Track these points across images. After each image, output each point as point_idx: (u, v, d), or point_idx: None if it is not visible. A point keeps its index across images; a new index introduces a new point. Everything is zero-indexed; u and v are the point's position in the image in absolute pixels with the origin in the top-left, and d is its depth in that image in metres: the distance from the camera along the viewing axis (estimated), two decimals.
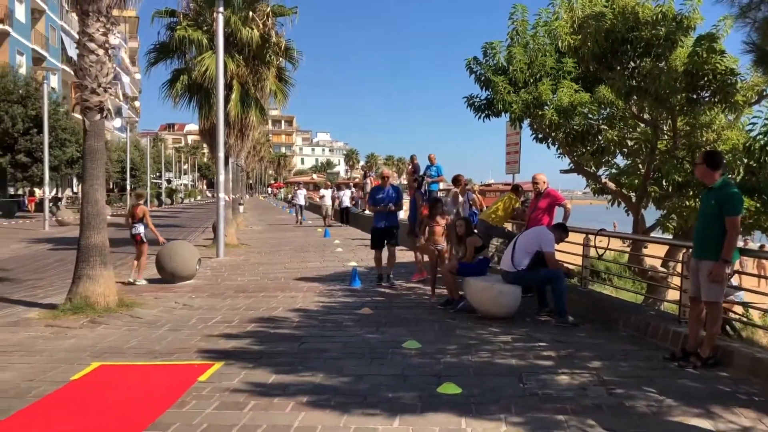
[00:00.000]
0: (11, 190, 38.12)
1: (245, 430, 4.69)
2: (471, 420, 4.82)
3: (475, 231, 9.94)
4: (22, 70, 38.62)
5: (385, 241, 11.31)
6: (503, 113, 10.28)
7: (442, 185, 20.04)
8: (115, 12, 9.65)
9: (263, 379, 5.89)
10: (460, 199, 12.10)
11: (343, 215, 28.58)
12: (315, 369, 6.20)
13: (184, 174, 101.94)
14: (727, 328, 7.99)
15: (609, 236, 9.02)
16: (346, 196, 28.82)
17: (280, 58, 19.61)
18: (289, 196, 61.11)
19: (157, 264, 11.91)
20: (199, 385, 5.76)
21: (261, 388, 5.65)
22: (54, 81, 45.98)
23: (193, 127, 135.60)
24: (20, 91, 32.45)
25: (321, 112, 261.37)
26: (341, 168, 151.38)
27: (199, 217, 41.31)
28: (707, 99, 8.41)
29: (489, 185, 68.76)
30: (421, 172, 18.01)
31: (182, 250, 11.98)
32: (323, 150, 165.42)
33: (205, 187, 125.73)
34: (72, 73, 51.04)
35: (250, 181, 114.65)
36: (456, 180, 12.49)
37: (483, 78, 10.25)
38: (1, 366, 6.43)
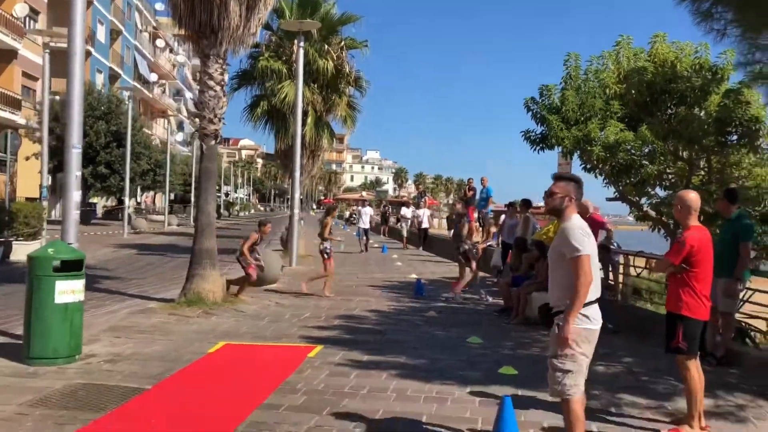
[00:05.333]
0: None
1: (354, 389, 6.26)
2: (525, 390, 6.30)
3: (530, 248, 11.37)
4: (101, 87, 41.61)
5: None
6: (556, 147, 11.72)
7: (492, 207, 21.46)
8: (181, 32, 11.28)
9: (359, 358, 7.46)
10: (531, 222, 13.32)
11: (422, 237, 26.32)
12: (398, 353, 7.75)
13: (240, 188, 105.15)
14: (747, 339, 9.21)
15: (646, 257, 10.33)
16: (425, 216, 26.46)
17: (350, 87, 21.44)
18: (347, 214, 59.21)
19: None
20: (310, 359, 7.36)
21: (359, 363, 7.23)
22: (126, 95, 49.12)
23: (247, 142, 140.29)
24: (102, 108, 35.13)
25: (371, 131, 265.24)
26: (390, 186, 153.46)
27: None
28: (735, 142, 9.73)
29: (539, 208, 69.34)
30: (477, 196, 19.54)
31: (268, 257, 13.68)
32: (372, 168, 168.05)
33: (257, 201, 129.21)
34: (142, 89, 54.33)
35: (301, 197, 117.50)
36: (527, 204, 13.68)
37: (539, 115, 11.70)
38: (150, 341, 8.15)
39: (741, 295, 8.68)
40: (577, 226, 4.44)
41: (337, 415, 5.47)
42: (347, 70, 20.55)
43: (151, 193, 57.62)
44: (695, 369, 5.39)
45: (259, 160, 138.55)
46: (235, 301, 11.02)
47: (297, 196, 18.14)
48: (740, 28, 6.90)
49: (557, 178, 4.67)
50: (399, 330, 9.29)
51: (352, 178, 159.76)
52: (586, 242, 4.34)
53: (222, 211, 68.21)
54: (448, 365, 7.24)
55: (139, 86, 54.63)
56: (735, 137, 9.71)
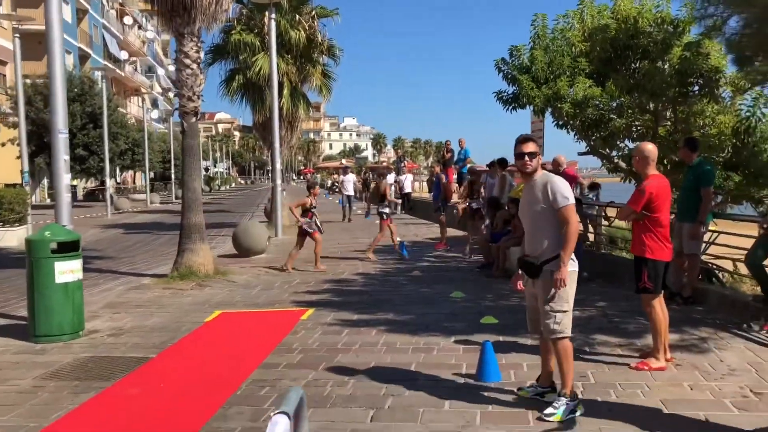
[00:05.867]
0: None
1: (346, 345, 6.69)
2: (506, 337, 6.77)
3: (506, 207, 11.80)
4: (71, 69, 41.16)
5: None
6: (528, 105, 12.05)
7: (470, 166, 21.87)
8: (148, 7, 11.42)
9: (349, 317, 7.90)
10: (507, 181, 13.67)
11: (405, 201, 26.03)
12: (386, 311, 8.20)
13: (219, 162, 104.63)
14: (713, 279, 9.75)
15: (617, 207, 10.79)
16: (407, 181, 26.67)
17: (324, 56, 21.55)
18: (329, 182, 59.76)
19: (234, 241, 13.99)
20: (303, 322, 7.78)
21: (349, 322, 7.67)
22: (98, 75, 48.60)
23: (223, 115, 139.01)
24: (75, 90, 34.86)
25: (348, 97, 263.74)
26: (369, 152, 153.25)
27: (242, 202, 43.54)
28: (697, 93, 10.14)
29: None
30: (455, 157, 19.92)
31: (255, 229, 14.09)
32: (350, 135, 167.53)
33: (237, 174, 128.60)
34: (114, 68, 53.71)
35: (281, 168, 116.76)
36: (503, 163, 14.02)
37: (510, 76, 11.98)
38: (148, 314, 8.52)
39: (706, 237, 9.21)
40: (559, 179, 4.82)
41: (332, 369, 5.90)
42: (319, 39, 20.66)
43: (130, 172, 57.37)
44: (659, 306, 5.85)
45: (236, 133, 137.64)
46: (226, 273, 11.39)
47: (278, 167, 18.42)
48: None
49: (525, 139, 4.89)
50: (386, 290, 9.73)
51: (330, 146, 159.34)
52: (570, 192, 4.75)
53: (203, 186, 68.07)
54: (433, 319, 7.70)
55: (110, 65, 54.04)
56: (697, 88, 10.11)
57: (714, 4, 7.16)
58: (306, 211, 11.85)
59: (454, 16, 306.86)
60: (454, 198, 19.95)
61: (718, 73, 9.87)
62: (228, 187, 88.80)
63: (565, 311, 4.76)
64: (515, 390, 5.20)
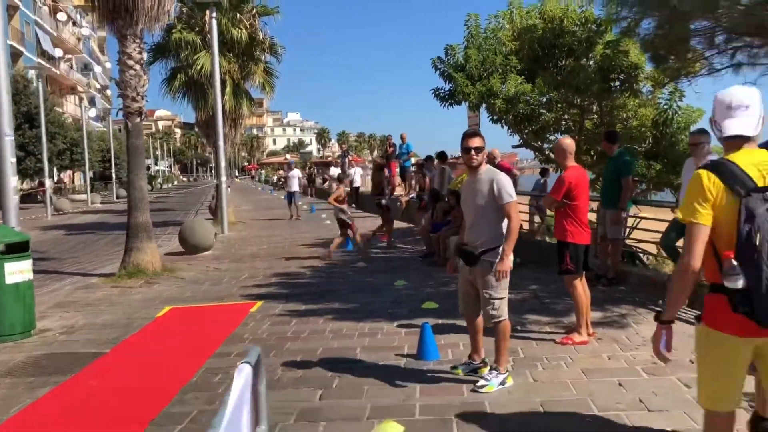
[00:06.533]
0: None
1: (295, 334, 7.06)
2: (444, 320, 7.25)
3: (446, 199, 12.32)
4: None
5: None
6: (463, 102, 12.60)
7: (413, 160, 22.47)
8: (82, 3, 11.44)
9: (297, 308, 8.26)
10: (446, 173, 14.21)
11: (355, 197, 24.88)
12: (333, 300, 8.59)
13: (160, 160, 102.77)
14: (636, 261, 10.50)
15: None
16: (357, 175, 25.79)
17: (266, 54, 21.71)
18: (275, 178, 59.33)
19: (180, 238, 14.13)
20: (252, 314, 8.11)
21: (297, 312, 8.04)
22: (32, 74, 47.26)
23: (163, 112, 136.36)
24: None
25: (290, 93, 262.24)
26: (314, 147, 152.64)
27: (185, 200, 43.11)
28: (618, 87, 10.86)
29: (457, 158, 71.01)
30: (397, 151, 20.42)
31: (201, 226, 14.25)
32: (294, 130, 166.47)
33: (179, 172, 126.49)
34: (48, 66, 52.25)
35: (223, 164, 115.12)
36: (442, 156, 14.61)
37: (446, 74, 12.52)
38: (99, 312, 8.69)
39: (630, 222, 9.92)
40: (504, 176, 5.21)
41: (282, 356, 6.27)
42: (261, 37, 20.82)
43: (69, 172, 55.94)
44: (580, 286, 6.41)
45: (177, 130, 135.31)
46: (174, 269, 11.57)
47: (223, 165, 18.56)
48: None
49: (473, 134, 5.23)
50: (332, 281, 10.13)
51: (274, 142, 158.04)
52: (513, 190, 5.20)
53: None
54: (377, 306, 8.14)
55: (44, 63, 52.61)
56: (618, 83, 10.82)
57: (627, 6, 7.77)
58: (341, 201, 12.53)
59: (396, 10, 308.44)
60: (398, 191, 20.48)
61: (637, 69, 10.59)
62: (170, 185, 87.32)
63: (502, 298, 5.20)
64: (450, 368, 5.67)
